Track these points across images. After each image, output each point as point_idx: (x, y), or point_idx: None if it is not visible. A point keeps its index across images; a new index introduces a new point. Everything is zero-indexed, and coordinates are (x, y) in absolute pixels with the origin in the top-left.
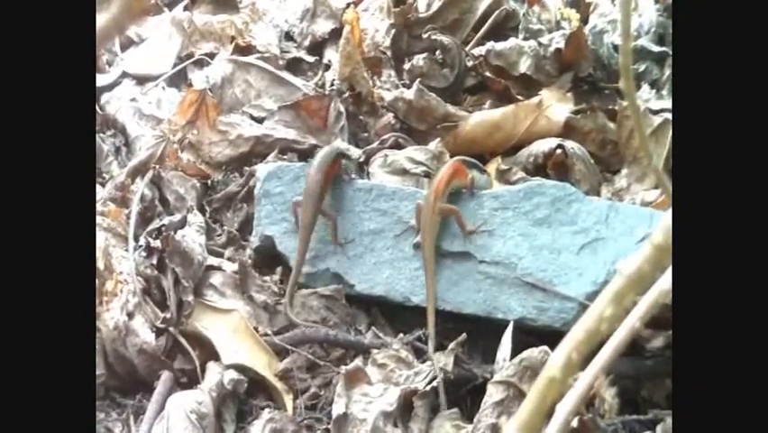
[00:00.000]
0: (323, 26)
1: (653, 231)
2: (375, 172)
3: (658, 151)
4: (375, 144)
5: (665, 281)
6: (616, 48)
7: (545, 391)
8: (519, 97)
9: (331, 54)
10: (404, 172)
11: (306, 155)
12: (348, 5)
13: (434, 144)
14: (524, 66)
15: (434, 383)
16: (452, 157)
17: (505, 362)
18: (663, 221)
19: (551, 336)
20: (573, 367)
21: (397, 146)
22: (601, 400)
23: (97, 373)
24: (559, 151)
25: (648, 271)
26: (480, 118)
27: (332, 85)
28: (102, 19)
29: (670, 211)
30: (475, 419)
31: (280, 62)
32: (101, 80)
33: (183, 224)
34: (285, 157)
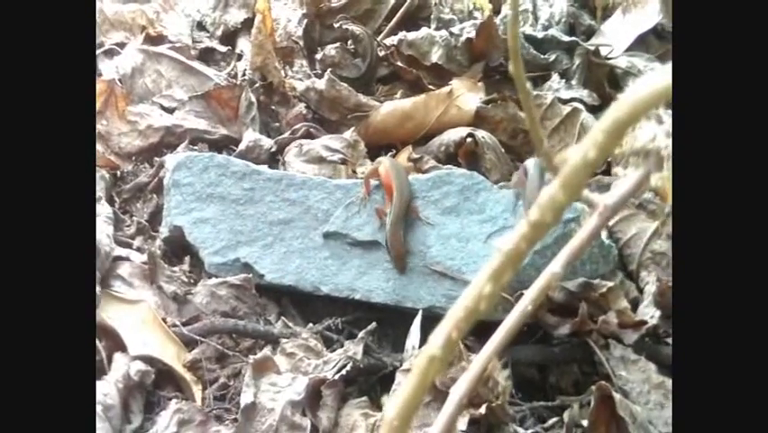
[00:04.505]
0: (235, 16)
1: (531, 209)
2: (290, 161)
3: (567, 139)
4: (287, 134)
5: (556, 264)
6: (527, 38)
7: (426, 370)
8: (431, 87)
9: (243, 44)
10: (320, 160)
11: (216, 145)
12: None
13: (349, 133)
14: (435, 56)
15: (343, 372)
16: (366, 146)
17: (414, 350)
18: (540, 199)
19: None
20: (453, 345)
21: (309, 136)
22: (495, 383)
23: None
24: (469, 140)
25: (525, 249)
26: (391, 108)
27: (244, 75)
28: None
29: (546, 189)
30: (384, 408)
31: (192, 52)
32: None
33: None
34: (195, 147)
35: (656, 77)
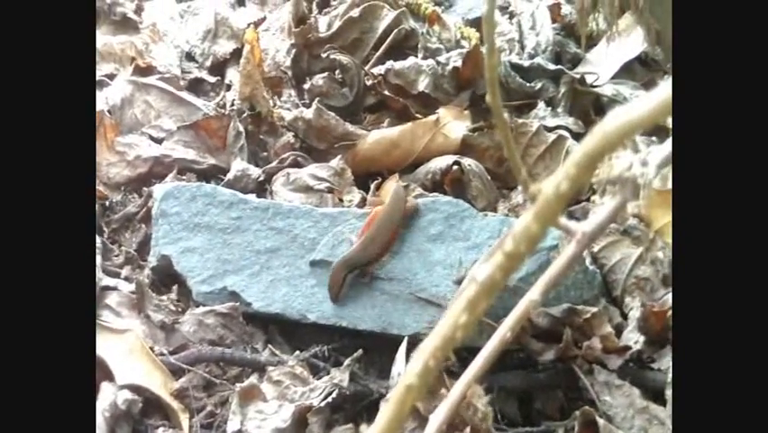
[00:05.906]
0: (224, 47)
1: (506, 239)
2: (278, 190)
3: (552, 167)
4: (274, 163)
5: (534, 292)
6: (513, 66)
7: (403, 398)
8: (418, 116)
9: (232, 74)
10: (307, 189)
11: (205, 175)
12: (249, 25)
13: (336, 162)
14: (422, 84)
15: (330, 399)
16: (353, 174)
17: (399, 377)
18: (514, 229)
19: None
20: (430, 373)
21: (297, 165)
22: (474, 409)
23: None
24: (456, 168)
25: (500, 279)
26: (378, 136)
27: (232, 105)
28: None
29: (521, 219)
30: None
31: (181, 83)
32: None
33: None
34: (184, 177)
35: (625, 110)
